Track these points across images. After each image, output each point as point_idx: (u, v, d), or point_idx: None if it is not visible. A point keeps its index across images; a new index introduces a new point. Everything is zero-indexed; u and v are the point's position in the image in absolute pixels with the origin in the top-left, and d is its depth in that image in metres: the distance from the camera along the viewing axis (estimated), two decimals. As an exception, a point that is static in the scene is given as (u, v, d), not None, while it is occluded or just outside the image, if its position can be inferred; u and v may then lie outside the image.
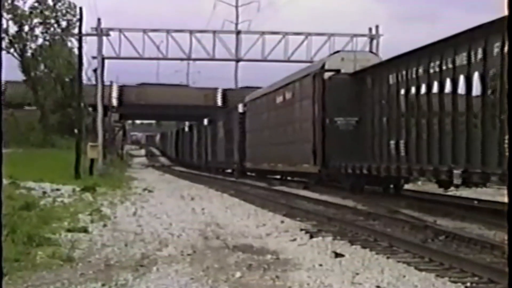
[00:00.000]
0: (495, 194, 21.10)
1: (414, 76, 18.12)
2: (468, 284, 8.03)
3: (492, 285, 8.06)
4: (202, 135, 58.78)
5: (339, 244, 11.29)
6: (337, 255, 9.98)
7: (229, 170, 46.17)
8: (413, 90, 18.17)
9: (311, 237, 12.06)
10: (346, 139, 22.32)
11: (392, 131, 19.56)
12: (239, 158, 40.97)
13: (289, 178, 32.25)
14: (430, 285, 7.94)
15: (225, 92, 67.99)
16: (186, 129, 71.70)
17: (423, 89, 17.51)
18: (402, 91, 18.85)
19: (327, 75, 24.08)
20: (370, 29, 42.85)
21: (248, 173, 40.38)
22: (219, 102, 66.66)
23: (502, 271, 8.30)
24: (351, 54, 25.56)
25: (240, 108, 41.24)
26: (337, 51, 27.19)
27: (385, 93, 20.02)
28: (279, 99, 31.46)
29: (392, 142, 19.41)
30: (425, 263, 9.47)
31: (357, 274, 8.57)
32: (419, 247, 10.59)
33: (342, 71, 23.80)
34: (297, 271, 8.75)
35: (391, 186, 21.90)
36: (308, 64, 34.48)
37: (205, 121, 56.12)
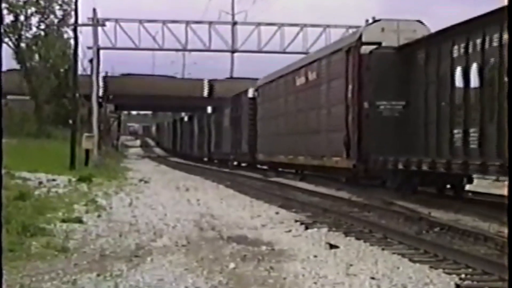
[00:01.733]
0: (490, 186, 21.18)
1: (494, 44, 14.04)
2: (462, 276, 8.05)
3: (486, 277, 8.08)
4: (204, 124, 55.21)
5: (334, 235, 11.31)
6: (332, 246, 10.00)
7: (236, 163, 42.62)
8: (492, 62, 14.13)
9: (306, 228, 12.08)
10: (390, 127, 18.62)
11: (457, 117, 15.70)
12: (249, 149, 37.11)
13: (312, 173, 27.09)
14: (424, 277, 7.96)
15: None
16: (186, 118, 67.99)
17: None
18: (474, 66, 14.78)
19: (365, 49, 20.15)
20: (367, 21, 42.76)
21: (259, 166, 36.56)
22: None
23: (495, 263, 8.33)
24: (393, 23, 20.77)
25: (251, 93, 37.16)
26: (376, 20, 21.66)
27: (446, 69, 16.16)
28: (300, 80, 27.17)
29: (458, 131, 15.65)
30: (419, 255, 9.49)
31: (352, 265, 8.59)
32: (414, 238, 10.62)
33: (384, 44, 19.99)
34: (292, 262, 8.76)
35: (448, 186, 18.29)
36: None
37: (209, 109, 52.70)
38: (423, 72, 17.57)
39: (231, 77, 71.02)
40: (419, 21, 20.79)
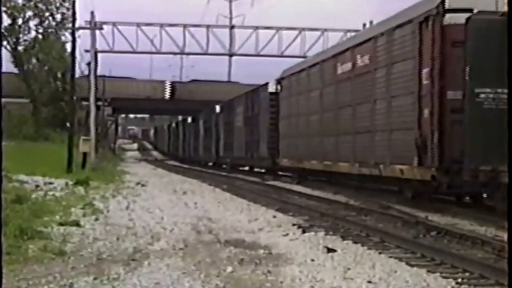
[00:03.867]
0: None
1: None
2: (459, 280, 8.06)
3: (483, 281, 8.08)
4: (211, 125, 49.99)
5: (331, 239, 11.31)
6: (329, 250, 10.01)
7: (247, 168, 38.93)
8: None
9: (303, 232, 12.09)
10: (493, 125, 13.28)
11: None
12: (269, 153, 31.71)
13: (359, 184, 21.86)
14: (422, 281, 7.97)
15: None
16: (189, 120, 63.03)
17: None
18: None
19: (451, 18, 15.01)
20: (364, 25, 42.87)
21: (280, 173, 31.43)
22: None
23: (492, 267, 8.34)
24: None
25: (271, 87, 31.74)
26: None
27: None
28: (344, 67, 21.82)
29: None
30: (416, 259, 9.50)
31: (349, 269, 8.59)
32: (411, 242, 10.62)
33: (477, 9, 14.53)
34: (289, 266, 8.76)
35: None
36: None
37: (217, 108, 47.86)
38: None
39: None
40: None
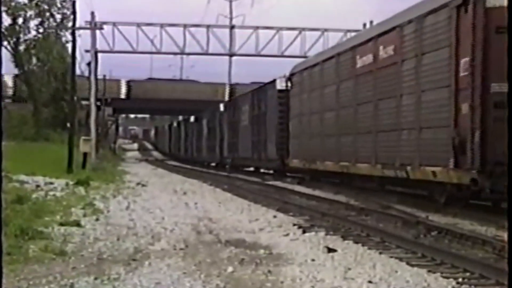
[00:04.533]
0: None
1: None
2: (460, 280, 8.06)
3: (483, 281, 8.08)
4: (215, 124, 48.72)
5: (331, 239, 11.31)
6: (330, 250, 10.01)
7: (252, 169, 37.59)
8: None
9: (304, 232, 12.09)
10: None
11: None
12: (277, 154, 30.37)
13: (380, 187, 20.29)
14: (422, 281, 7.97)
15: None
16: (192, 119, 61.65)
17: None
18: None
19: (495, 0, 13.55)
20: (365, 25, 42.90)
21: (288, 174, 30.18)
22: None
23: (493, 267, 8.34)
24: None
25: (280, 84, 30.22)
26: None
27: None
28: (364, 60, 20.15)
29: None
30: (417, 259, 9.50)
31: (350, 269, 8.59)
32: (411, 242, 10.62)
33: None
34: (290, 266, 8.76)
35: None
36: None
37: (221, 107, 46.72)
38: None
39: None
40: None
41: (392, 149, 17.92)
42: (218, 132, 47.14)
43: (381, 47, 18.83)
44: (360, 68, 20.42)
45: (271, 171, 33.55)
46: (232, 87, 66.59)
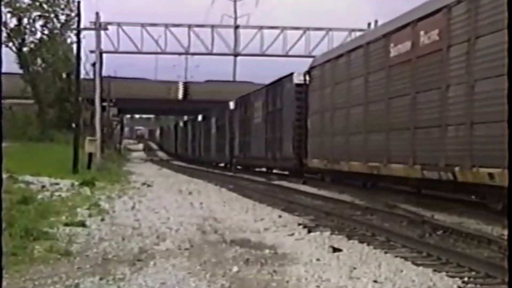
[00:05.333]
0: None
1: None
2: (465, 279, 8.04)
3: (489, 280, 8.06)
4: (225, 123, 46.58)
5: (337, 238, 11.30)
6: (335, 249, 10.00)
7: (264, 169, 35.80)
8: None
9: (309, 231, 12.08)
10: None
11: None
12: (294, 153, 28.59)
13: (415, 190, 18.91)
14: (428, 280, 7.95)
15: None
16: (200, 118, 59.66)
17: None
18: None
19: None
20: (369, 24, 42.86)
21: (306, 175, 28.39)
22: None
23: (498, 266, 8.32)
24: None
25: (298, 79, 28.29)
26: None
27: None
28: (399, 48, 18.20)
29: None
30: (422, 258, 9.48)
31: (355, 268, 8.58)
32: (417, 242, 10.60)
33: None
34: (295, 266, 8.75)
35: None
36: None
37: (231, 105, 44.66)
38: None
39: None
40: None
41: (435, 148, 16.00)
42: (228, 131, 45.23)
43: (421, 33, 16.78)
44: (394, 57, 18.55)
45: (286, 172, 31.72)
46: (186, 85, 66.62)
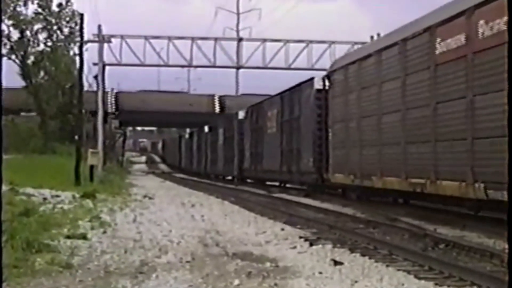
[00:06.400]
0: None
1: None
2: (468, 293, 8.01)
3: (492, 294, 8.03)
4: (233, 133, 43.79)
5: (338, 252, 11.28)
6: (337, 263, 9.97)
7: (278, 184, 33.32)
8: None
9: (311, 245, 12.05)
10: None
11: None
12: (314, 166, 25.76)
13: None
14: (430, 294, 7.92)
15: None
16: (206, 129, 56.55)
17: None
18: None
19: None
20: (372, 37, 42.92)
21: (327, 191, 25.47)
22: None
23: (501, 280, 8.29)
24: None
25: (318, 83, 25.59)
26: None
27: None
28: (449, 43, 15.26)
29: None
30: (424, 272, 9.46)
31: (356, 282, 8.56)
32: (419, 255, 10.57)
33: None
34: (297, 279, 8.73)
35: None
36: None
37: (240, 114, 41.76)
38: None
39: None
40: None
41: (503, 162, 12.03)
42: (237, 142, 42.17)
43: (481, 22, 13.95)
44: (442, 54, 15.67)
45: (304, 187, 28.68)
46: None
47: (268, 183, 36.09)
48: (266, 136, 34.75)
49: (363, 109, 20.47)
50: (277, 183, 34.66)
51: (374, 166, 19.54)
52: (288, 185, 32.33)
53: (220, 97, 68.14)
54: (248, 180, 39.21)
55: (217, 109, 66.66)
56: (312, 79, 26.74)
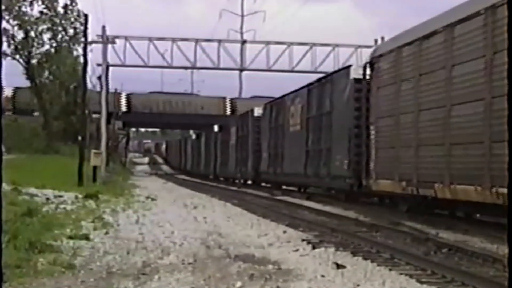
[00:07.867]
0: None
1: None
2: (470, 298, 8.00)
3: (494, 299, 8.02)
4: (247, 133, 39.81)
5: (341, 255, 11.27)
6: (339, 266, 9.97)
7: (301, 189, 29.32)
8: None
9: (313, 247, 12.05)
10: None
11: None
12: (350, 170, 21.68)
13: None
14: (432, 298, 7.92)
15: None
16: (216, 129, 52.67)
17: None
18: None
19: None
20: (376, 41, 42.94)
21: (364, 200, 22.28)
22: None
23: (503, 285, 8.28)
24: None
25: (357, 73, 21.46)
26: None
27: None
28: None
29: None
30: (427, 276, 9.45)
31: (359, 285, 8.55)
32: (421, 259, 10.57)
33: None
34: (299, 282, 8.73)
35: None
36: None
37: (256, 111, 37.55)
38: None
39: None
40: None
41: None
42: (252, 142, 38.03)
43: None
44: None
45: (334, 193, 25.07)
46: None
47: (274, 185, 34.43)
48: (288, 134, 30.62)
49: (422, 101, 16.64)
50: (295, 188, 31.00)
51: (438, 171, 15.69)
52: (308, 190, 28.99)
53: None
54: (265, 184, 35.64)
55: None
56: (348, 67, 23.34)
